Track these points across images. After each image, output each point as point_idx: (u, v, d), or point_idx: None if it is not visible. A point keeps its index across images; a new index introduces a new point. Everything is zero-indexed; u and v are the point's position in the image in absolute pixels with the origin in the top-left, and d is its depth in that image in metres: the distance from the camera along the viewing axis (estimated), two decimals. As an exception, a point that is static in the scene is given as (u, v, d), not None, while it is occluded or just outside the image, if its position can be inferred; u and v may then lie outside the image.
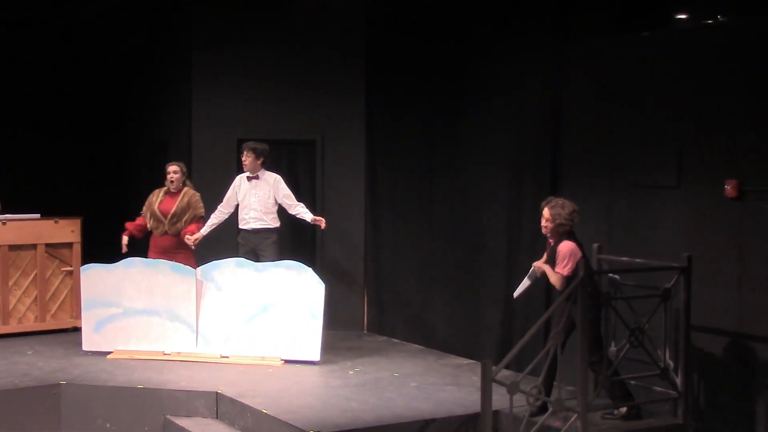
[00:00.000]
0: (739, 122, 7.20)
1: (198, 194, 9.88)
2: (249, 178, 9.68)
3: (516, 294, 7.54)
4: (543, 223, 7.24)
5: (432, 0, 9.88)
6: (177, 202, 9.73)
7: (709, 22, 7.71)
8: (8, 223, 10.12)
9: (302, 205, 9.70)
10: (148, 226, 9.80)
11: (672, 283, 7.05)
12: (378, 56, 10.69)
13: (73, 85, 12.47)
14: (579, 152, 8.51)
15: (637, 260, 7.48)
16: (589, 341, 6.68)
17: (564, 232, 7.18)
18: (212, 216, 9.76)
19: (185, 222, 9.72)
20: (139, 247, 10.03)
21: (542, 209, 7.25)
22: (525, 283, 7.48)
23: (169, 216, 9.69)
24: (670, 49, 7.71)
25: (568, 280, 7.02)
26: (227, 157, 10.79)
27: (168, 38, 11.67)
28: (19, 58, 12.23)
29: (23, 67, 12.27)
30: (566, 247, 7.10)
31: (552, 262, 7.21)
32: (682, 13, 7.99)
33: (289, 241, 10.97)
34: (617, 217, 8.12)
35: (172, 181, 9.78)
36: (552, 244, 7.28)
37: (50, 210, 10.52)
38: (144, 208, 9.87)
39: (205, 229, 9.70)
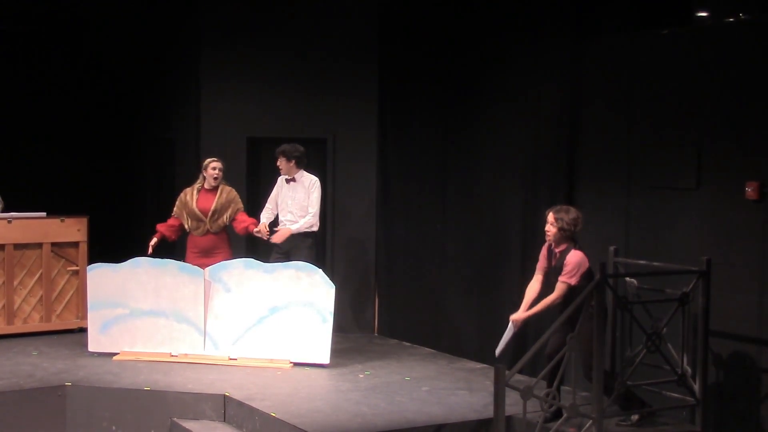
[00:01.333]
0: (760, 122, 7.17)
1: (234, 189, 9.82)
2: (287, 180, 9.68)
3: (498, 351, 7.47)
4: (546, 227, 7.32)
5: (447, 1, 9.85)
6: (216, 199, 9.64)
7: (730, 19, 7.67)
8: (14, 221, 10.13)
9: (306, 220, 9.56)
10: (186, 226, 9.67)
11: (690, 287, 7.01)
12: (392, 56, 10.66)
13: (80, 83, 12.50)
14: (596, 153, 8.48)
15: (655, 263, 7.44)
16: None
17: (567, 237, 7.23)
18: (262, 215, 9.75)
19: (228, 218, 9.64)
20: (172, 249, 9.97)
21: (546, 215, 7.33)
22: (506, 338, 7.46)
23: (210, 213, 9.59)
24: (690, 48, 7.68)
25: (572, 290, 7.05)
26: (237, 156, 10.79)
27: (177, 35, 11.68)
28: (25, 56, 12.27)
29: (29, 64, 12.31)
30: (576, 257, 7.17)
31: (557, 271, 7.26)
32: (702, 11, 7.96)
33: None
34: (634, 219, 8.09)
35: (215, 178, 9.63)
36: (557, 253, 7.32)
37: (56, 208, 10.52)
38: (176, 209, 9.70)
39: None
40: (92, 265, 9.55)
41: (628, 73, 8.16)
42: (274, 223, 9.77)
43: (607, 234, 7.92)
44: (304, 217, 9.57)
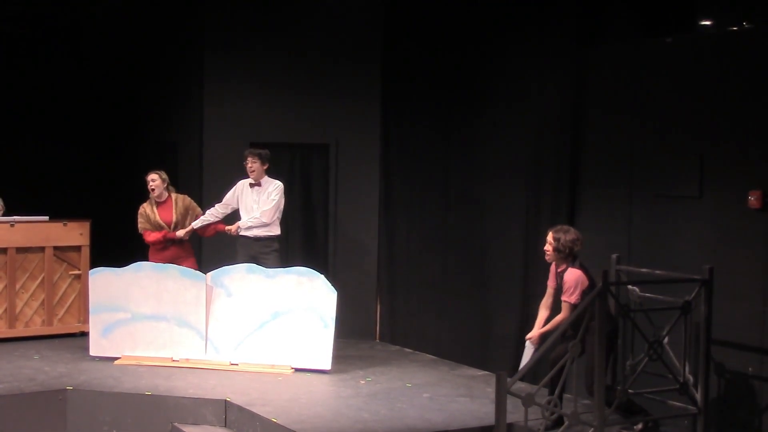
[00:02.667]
0: (763, 131, 7.18)
1: (187, 196, 9.93)
2: (252, 185, 9.69)
3: (520, 372, 7.46)
4: (545, 247, 7.41)
5: (450, 5, 9.87)
6: (173, 210, 9.75)
7: (734, 28, 7.68)
8: (16, 225, 10.15)
9: (256, 218, 9.59)
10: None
11: (693, 295, 7.02)
12: (394, 61, 10.68)
13: (82, 86, 12.50)
14: (599, 161, 8.49)
15: (657, 272, 7.44)
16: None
17: (564, 257, 7.30)
18: (208, 212, 9.80)
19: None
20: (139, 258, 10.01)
21: (546, 235, 7.40)
22: (525, 357, 7.48)
23: (173, 225, 9.72)
24: (694, 56, 7.69)
25: (574, 308, 7.09)
26: (239, 160, 10.76)
27: (180, 39, 11.67)
28: (28, 59, 12.29)
29: (31, 67, 12.32)
30: (572, 275, 7.24)
31: (560, 290, 7.34)
32: (706, 19, 7.96)
33: (300, 247, 10.97)
34: (637, 227, 8.09)
35: (153, 190, 9.75)
36: (558, 272, 7.38)
37: (59, 212, 10.54)
38: (141, 224, 9.79)
39: (197, 223, 9.75)
40: (94, 269, 9.55)
41: (632, 81, 8.16)
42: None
43: (610, 242, 7.93)
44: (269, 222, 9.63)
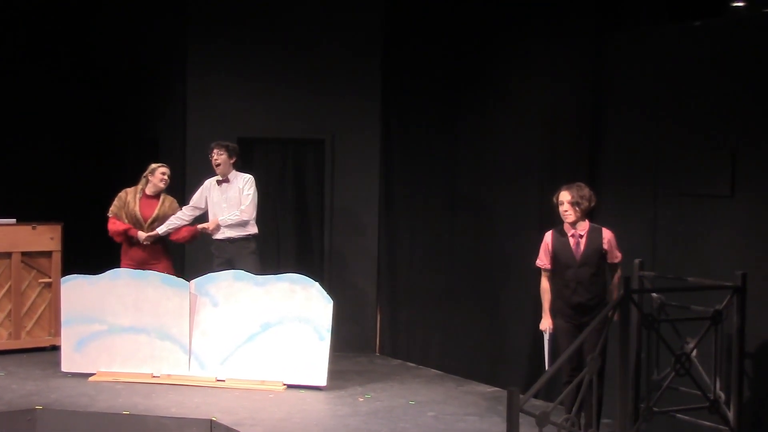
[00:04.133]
0: (801, 124, 7.16)
1: (175, 200, 9.98)
2: (219, 182, 9.69)
3: (547, 366, 7.63)
4: (563, 209, 7.56)
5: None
6: (158, 206, 9.77)
7: (769, 9, 7.66)
8: (-20, 228, 10.14)
9: (236, 216, 9.60)
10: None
11: (724, 304, 6.98)
12: (396, 50, 10.68)
13: (55, 78, 12.43)
14: (620, 157, 8.47)
15: (685, 278, 7.41)
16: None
17: (585, 213, 7.56)
18: (174, 216, 9.83)
19: None
20: (112, 260, 9.96)
21: (557, 198, 7.58)
22: (546, 349, 7.69)
23: (150, 221, 9.73)
24: (725, 41, 7.66)
25: None
26: (226, 157, 10.77)
27: (160, 27, 11.67)
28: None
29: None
30: (610, 233, 7.55)
31: (594, 253, 7.47)
32: (738, 0, 7.92)
33: (293, 251, 10.96)
34: (662, 229, 8.07)
35: (164, 183, 9.83)
36: (580, 237, 7.51)
37: (27, 215, 10.51)
38: (114, 208, 9.84)
39: (162, 229, 9.78)
40: (66, 276, 9.55)
41: (656, 70, 8.15)
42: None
43: (632, 246, 7.90)
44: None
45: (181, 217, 9.82)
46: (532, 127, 9.18)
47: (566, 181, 8.67)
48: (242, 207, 9.61)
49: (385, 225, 10.81)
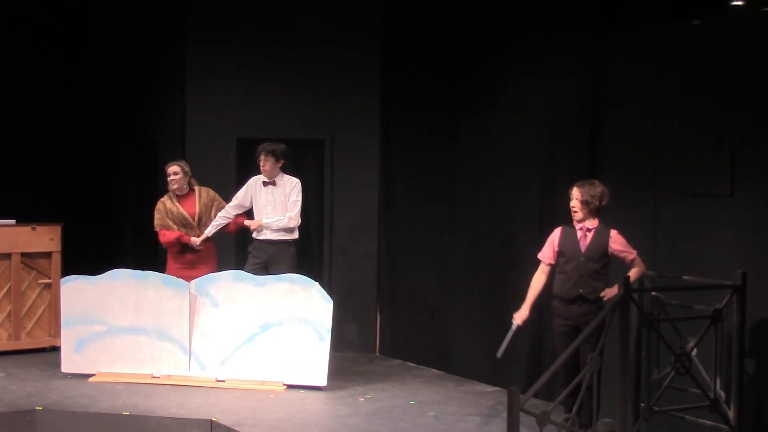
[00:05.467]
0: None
1: (211, 189, 9.91)
2: (265, 183, 9.67)
3: (500, 353, 7.77)
4: (572, 204, 7.60)
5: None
6: (197, 201, 9.74)
7: (769, 9, 7.68)
8: (-21, 229, 10.15)
9: (283, 221, 9.59)
10: None
11: (724, 303, 7.00)
12: (396, 50, 10.67)
13: (53, 78, 12.44)
14: (620, 157, 8.47)
15: (685, 277, 7.43)
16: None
17: (593, 212, 7.58)
18: (219, 216, 9.76)
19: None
20: (154, 262, 9.94)
21: (570, 192, 7.63)
22: (507, 339, 7.77)
23: (197, 217, 9.70)
24: (725, 40, 7.67)
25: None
26: (225, 158, 10.80)
27: (160, 26, 11.67)
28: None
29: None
30: (619, 235, 7.55)
31: (597, 251, 7.50)
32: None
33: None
34: (662, 229, 8.07)
35: (174, 183, 9.75)
36: (587, 232, 7.54)
37: (27, 215, 10.51)
38: (158, 220, 9.74)
39: (210, 230, 9.71)
40: (66, 277, 9.53)
41: (655, 69, 8.15)
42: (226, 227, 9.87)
43: (633, 245, 7.90)
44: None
45: (226, 215, 9.73)
46: (531, 127, 9.19)
47: (566, 182, 8.71)
48: (290, 214, 9.56)
49: (384, 225, 10.81)
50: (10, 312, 10.26)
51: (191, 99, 10.97)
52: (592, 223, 7.58)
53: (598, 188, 7.56)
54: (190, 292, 9.23)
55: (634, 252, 7.50)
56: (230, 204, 9.77)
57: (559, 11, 8.89)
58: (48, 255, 10.48)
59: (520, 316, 7.83)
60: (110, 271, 9.41)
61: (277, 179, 9.67)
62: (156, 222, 9.76)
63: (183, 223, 9.68)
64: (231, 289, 9.22)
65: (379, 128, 10.80)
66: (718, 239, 7.64)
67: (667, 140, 8.05)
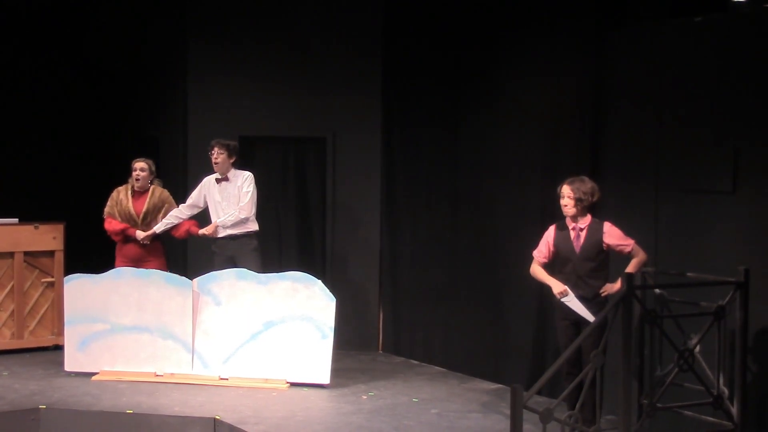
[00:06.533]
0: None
1: (166, 190, 9.96)
2: (218, 180, 9.70)
3: (587, 316, 7.53)
4: (563, 202, 7.57)
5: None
6: (148, 199, 9.79)
7: (771, 5, 7.66)
8: (-19, 228, 10.15)
9: (234, 214, 9.58)
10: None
11: (726, 299, 6.99)
12: (398, 46, 10.66)
13: (55, 77, 12.44)
14: (621, 153, 8.47)
15: (687, 274, 7.42)
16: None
17: (586, 209, 7.55)
18: (171, 214, 9.83)
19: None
20: (107, 259, 9.96)
21: (560, 190, 7.60)
22: (576, 305, 7.53)
23: (142, 215, 9.73)
24: (726, 36, 7.66)
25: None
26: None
27: (161, 25, 11.67)
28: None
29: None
30: (613, 228, 7.50)
31: (592, 248, 7.46)
32: (740, -5, 7.95)
33: (296, 250, 10.96)
34: (664, 225, 8.07)
35: (138, 179, 9.81)
36: (581, 230, 7.51)
37: (29, 214, 10.51)
38: (108, 208, 9.86)
39: (159, 227, 9.78)
40: (69, 276, 9.54)
41: (657, 66, 8.13)
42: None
43: (629, 235, 7.89)
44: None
45: (178, 215, 9.81)
46: (533, 123, 9.18)
47: (568, 178, 8.71)
48: (241, 204, 9.61)
49: (387, 222, 10.81)
50: (13, 311, 10.27)
51: (193, 97, 10.97)
52: (584, 221, 7.55)
53: (588, 184, 7.54)
54: (192, 291, 9.24)
55: (631, 242, 7.46)
56: (184, 204, 9.82)
57: (560, 8, 8.88)
58: (51, 254, 10.49)
59: (560, 287, 7.53)
60: (113, 270, 9.44)
61: (230, 175, 9.68)
62: (105, 209, 9.88)
63: (127, 219, 9.78)
64: (234, 288, 9.22)
65: (381, 126, 10.79)
66: (721, 236, 7.64)
67: (669, 137, 8.04)
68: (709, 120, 7.75)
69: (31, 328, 10.39)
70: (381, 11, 10.75)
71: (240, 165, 9.83)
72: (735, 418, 7.03)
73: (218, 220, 9.65)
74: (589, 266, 7.48)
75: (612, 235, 7.47)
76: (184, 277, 9.33)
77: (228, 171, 9.69)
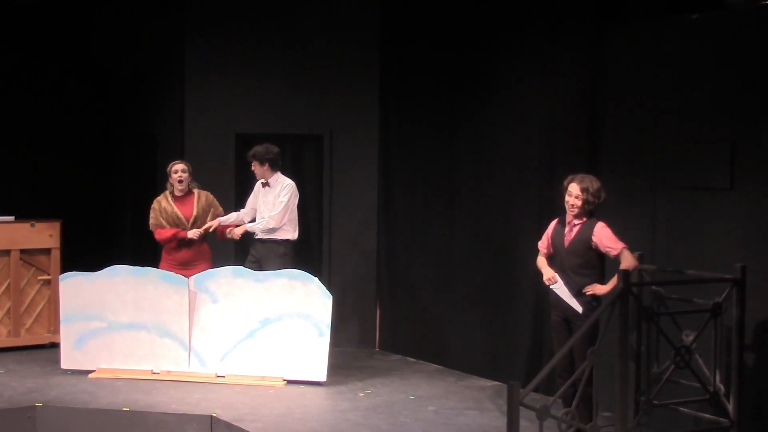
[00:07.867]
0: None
1: (210, 193, 9.85)
2: (263, 185, 9.69)
3: (575, 306, 7.48)
4: (570, 200, 7.39)
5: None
6: (195, 204, 9.68)
7: (767, 2, 7.66)
8: (-22, 226, 10.15)
9: (263, 222, 9.56)
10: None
11: (723, 296, 7.00)
12: (395, 44, 10.67)
13: (51, 75, 12.40)
14: (619, 151, 8.47)
15: (684, 271, 7.42)
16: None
17: (589, 211, 7.38)
18: (233, 213, 9.79)
19: None
20: (152, 261, 9.95)
21: (567, 186, 7.42)
22: (564, 292, 7.45)
23: (192, 220, 9.63)
24: (723, 34, 7.66)
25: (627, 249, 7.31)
26: (224, 154, 10.79)
27: (159, 24, 11.66)
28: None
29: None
30: (605, 229, 7.31)
31: (580, 244, 7.36)
32: (736, -7, 7.95)
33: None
34: (661, 222, 8.07)
35: (180, 181, 9.64)
36: (573, 225, 7.40)
37: (26, 212, 10.50)
38: (152, 219, 9.68)
39: (214, 223, 9.65)
40: (65, 273, 9.54)
41: (654, 63, 8.14)
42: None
43: (631, 239, 7.87)
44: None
45: (238, 216, 9.78)
46: (530, 122, 9.17)
47: (566, 176, 8.70)
48: (272, 214, 9.55)
49: (384, 220, 10.81)
50: (9, 309, 10.26)
51: (190, 95, 10.97)
52: (582, 218, 7.46)
53: (596, 184, 7.37)
54: (189, 288, 9.23)
55: (620, 246, 7.26)
56: (243, 210, 9.83)
57: (557, 6, 8.88)
58: (47, 251, 10.48)
59: (549, 273, 7.48)
60: (109, 268, 9.41)
61: (271, 180, 9.66)
62: (150, 221, 9.72)
63: (176, 224, 9.61)
64: (230, 285, 9.22)
65: (378, 124, 10.80)
66: (718, 232, 7.64)
67: (666, 134, 8.04)
68: (706, 117, 7.75)
69: (27, 325, 10.39)
70: (378, 9, 10.76)
71: (281, 168, 9.74)
72: (731, 415, 7.04)
73: (248, 225, 9.63)
74: (574, 261, 7.40)
75: (600, 235, 7.31)
76: (180, 275, 9.31)
77: (269, 177, 9.65)
